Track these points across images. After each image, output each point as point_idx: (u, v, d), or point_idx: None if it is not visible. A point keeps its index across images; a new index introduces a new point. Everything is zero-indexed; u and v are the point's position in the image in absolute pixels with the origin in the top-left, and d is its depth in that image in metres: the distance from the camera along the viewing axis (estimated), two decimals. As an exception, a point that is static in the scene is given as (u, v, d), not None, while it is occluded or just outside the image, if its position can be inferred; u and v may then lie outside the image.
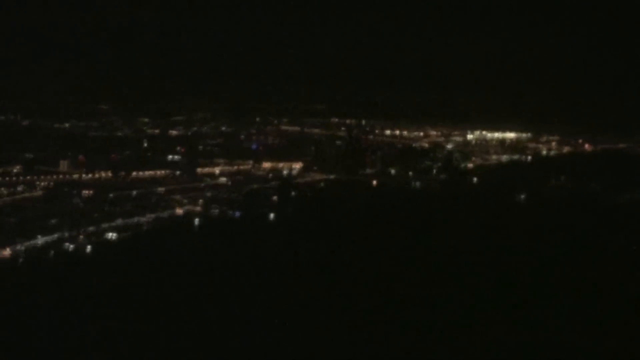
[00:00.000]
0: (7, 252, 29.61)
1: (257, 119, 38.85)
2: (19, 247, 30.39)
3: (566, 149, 38.20)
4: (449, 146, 35.23)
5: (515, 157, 36.41)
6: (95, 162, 38.61)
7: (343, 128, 35.70)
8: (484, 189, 37.72)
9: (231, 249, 30.48)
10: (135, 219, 33.91)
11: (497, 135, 37.89)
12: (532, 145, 38.82)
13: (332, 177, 34.34)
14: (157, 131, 39.45)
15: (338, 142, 34.63)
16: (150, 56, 47.35)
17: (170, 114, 41.25)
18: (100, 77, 46.42)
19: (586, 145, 39.54)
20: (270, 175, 35.58)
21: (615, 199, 36.48)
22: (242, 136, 39.18)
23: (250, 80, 43.19)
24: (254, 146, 37.33)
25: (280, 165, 36.26)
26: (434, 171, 33.62)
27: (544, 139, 38.71)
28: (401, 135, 37.16)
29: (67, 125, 39.38)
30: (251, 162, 36.38)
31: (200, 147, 37.57)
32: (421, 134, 37.50)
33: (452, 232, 33.31)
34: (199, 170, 35.68)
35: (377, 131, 35.86)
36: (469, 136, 37.30)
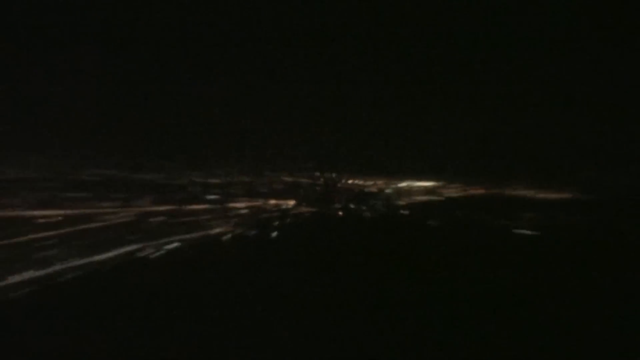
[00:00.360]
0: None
1: (266, 173, 51.58)
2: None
3: (469, 192, 49.77)
4: (388, 190, 48.55)
5: (432, 197, 48.88)
6: (165, 199, 49.79)
7: (321, 179, 49.00)
8: (408, 216, 48.86)
9: (250, 254, 39.26)
10: (189, 235, 44.99)
11: (420, 183, 50.73)
12: (444, 190, 51.08)
13: (313, 209, 47.61)
14: (201, 180, 51.52)
15: (317, 188, 48.20)
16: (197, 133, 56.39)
17: (210, 170, 52.43)
18: (167, 146, 54.94)
19: (482, 190, 51.29)
20: (275, 208, 48.53)
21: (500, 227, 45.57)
22: (256, 183, 51.39)
23: (263, 150, 53.19)
24: (264, 190, 50.33)
25: (281, 202, 48.99)
26: (378, 205, 46.83)
27: (454, 185, 50.74)
28: (357, 184, 50.42)
29: (145, 176, 50.70)
30: (262, 200, 49.04)
31: (229, 190, 50.39)
32: (370, 182, 50.99)
33: (384, 243, 41.81)
34: (228, 205, 48.31)
35: (343, 181, 49.22)
36: (402, 184, 50.78)
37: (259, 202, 45.69)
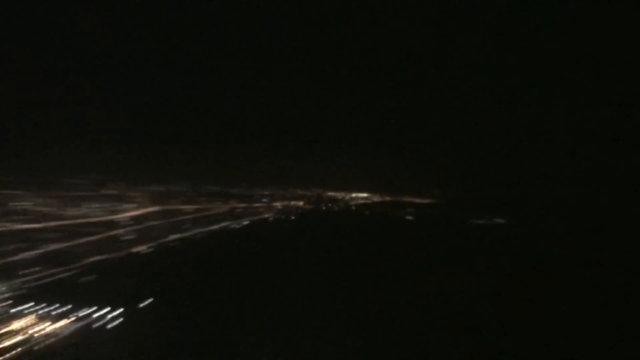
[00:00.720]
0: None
1: (290, 189, 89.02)
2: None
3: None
4: (345, 198, 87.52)
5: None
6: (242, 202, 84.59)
7: (314, 192, 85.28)
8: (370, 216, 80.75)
9: (286, 231, 65.41)
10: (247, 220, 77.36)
11: (362, 194, 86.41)
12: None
13: (311, 207, 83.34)
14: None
15: (312, 197, 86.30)
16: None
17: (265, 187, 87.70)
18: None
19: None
20: (293, 205, 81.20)
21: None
22: (285, 194, 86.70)
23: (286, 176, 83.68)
24: (290, 197, 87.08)
25: (296, 202, 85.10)
26: (339, 205, 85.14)
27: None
28: (330, 195, 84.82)
29: (232, 190, 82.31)
30: (287, 202, 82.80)
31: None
32: (338, 194, 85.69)
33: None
34: (278, 204, 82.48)
35: (322, 195, 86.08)
36: (353, 195, 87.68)
37: (287, 202, 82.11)
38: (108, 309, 46.29)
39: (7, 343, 41.70)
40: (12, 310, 46.19)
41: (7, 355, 40.08)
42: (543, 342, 37.61)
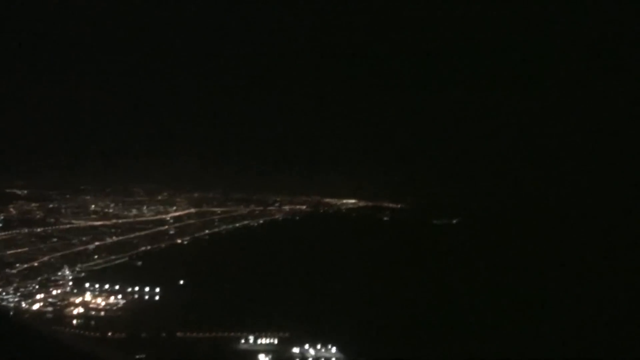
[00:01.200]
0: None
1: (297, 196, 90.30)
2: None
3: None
4: (339, 203, 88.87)
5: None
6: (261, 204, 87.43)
7: (311, 201, 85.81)
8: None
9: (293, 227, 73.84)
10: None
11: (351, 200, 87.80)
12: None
13: (312, 210, 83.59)
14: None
15: (311, 202, 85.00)
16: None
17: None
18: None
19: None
20: (297, 209, 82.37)
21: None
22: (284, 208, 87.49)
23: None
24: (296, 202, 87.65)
25: (299, 206, 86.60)
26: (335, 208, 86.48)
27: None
28: (327, 201, 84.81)
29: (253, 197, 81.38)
30: (295, 206, 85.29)
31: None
32: (333, 200, 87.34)
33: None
34: (286, 207, 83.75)
35: (320, 201, 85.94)
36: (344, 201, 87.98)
37: (293, 206, 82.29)
38: (154, 287, 47.44)
39: (75, 312, 41.72)
40: (84, 286, 46.34)
41: (74, 322, 40.13)
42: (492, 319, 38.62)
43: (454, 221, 66.18)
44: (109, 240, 58.52)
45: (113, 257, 54.17)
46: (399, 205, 75.89)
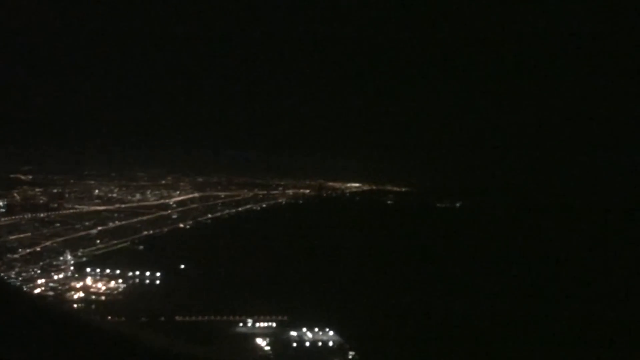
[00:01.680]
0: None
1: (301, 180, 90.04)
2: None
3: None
4: (342, 187, 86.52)
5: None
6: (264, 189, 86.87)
7: (318, 183, 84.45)
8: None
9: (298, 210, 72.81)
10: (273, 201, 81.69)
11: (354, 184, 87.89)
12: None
13: (316, 194, 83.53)
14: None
15: (316, 186, 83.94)
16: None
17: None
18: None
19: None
20: (301, 192, 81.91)
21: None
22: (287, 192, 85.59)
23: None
24: (299, 186, 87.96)
25: (303, 190, 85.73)
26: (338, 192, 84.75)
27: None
28: (331, 185, 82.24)
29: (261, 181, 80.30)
30: (297, 189, 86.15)
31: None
32: (336, 184, 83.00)
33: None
34: (289, 191, 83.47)
35: (324, 185, 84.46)
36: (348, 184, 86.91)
37: (297, 190, 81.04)
38: (155, 270, 45.71)
39: (75, 297, 41.36)
40: (85, 271, 45.99)
41: (75, 306, 39.90)
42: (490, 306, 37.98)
43: (457, 204, 66.09)
44: (111, 224, 58.63)
45: (115, 241, 54.46)
46: (403, 189, 75.92)
